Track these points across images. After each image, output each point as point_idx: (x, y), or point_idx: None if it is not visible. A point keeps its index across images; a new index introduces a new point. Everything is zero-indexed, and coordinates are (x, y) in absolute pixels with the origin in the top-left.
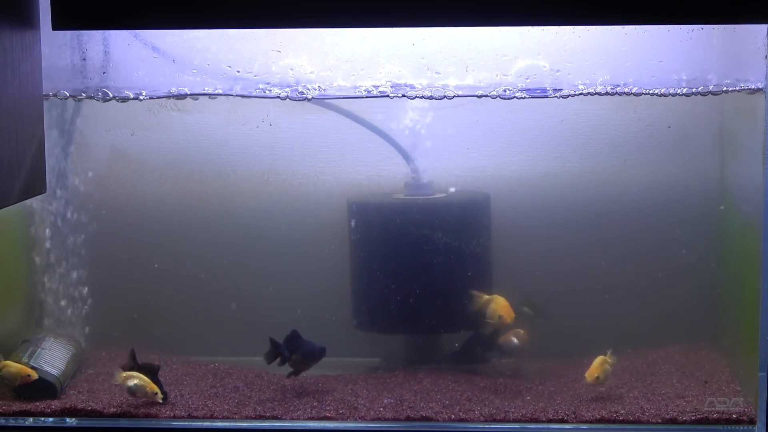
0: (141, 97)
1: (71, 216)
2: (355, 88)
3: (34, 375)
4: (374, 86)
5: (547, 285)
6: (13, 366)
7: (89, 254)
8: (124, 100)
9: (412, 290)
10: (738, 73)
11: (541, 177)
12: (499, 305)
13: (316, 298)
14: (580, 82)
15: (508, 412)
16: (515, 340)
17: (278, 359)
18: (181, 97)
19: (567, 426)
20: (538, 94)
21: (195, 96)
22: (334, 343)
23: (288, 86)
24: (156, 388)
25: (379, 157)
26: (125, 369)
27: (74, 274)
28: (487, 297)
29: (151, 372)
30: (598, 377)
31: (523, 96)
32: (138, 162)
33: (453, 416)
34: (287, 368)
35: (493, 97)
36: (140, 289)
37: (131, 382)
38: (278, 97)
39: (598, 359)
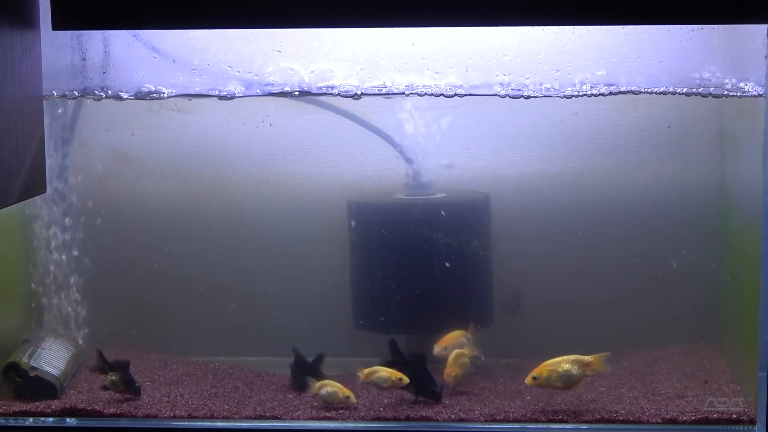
0: (137, 97)
1: (71, 216)
2: (356, 87)
3: (405, 379)
4: (375, 86)
5: (547, 284)
6: (384, 371)
7: (89, 254)
8: (120, 99)
9: (412, 290)
10: (738, 73)
11: (541, 177)
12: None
13: (316, 298)
14: (580, 81)
15: (508, 412)
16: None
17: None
18: (182, 96)
19: (567, 426)
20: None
21: (193, 97)
22: (334, 343)
23: (288, 86)
24: (348, 392)
25: (379, 157)
26: (95, 371)
27: (74, 274)
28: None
29: (124, 369)
30: (455, 376)
31: (531, 95)
32: (138, 162)
33: (453, 416)
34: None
35: (503, 97)
36: (140, 289)
37: (324, 391)
38: (278, 94)
39: (453, 354)
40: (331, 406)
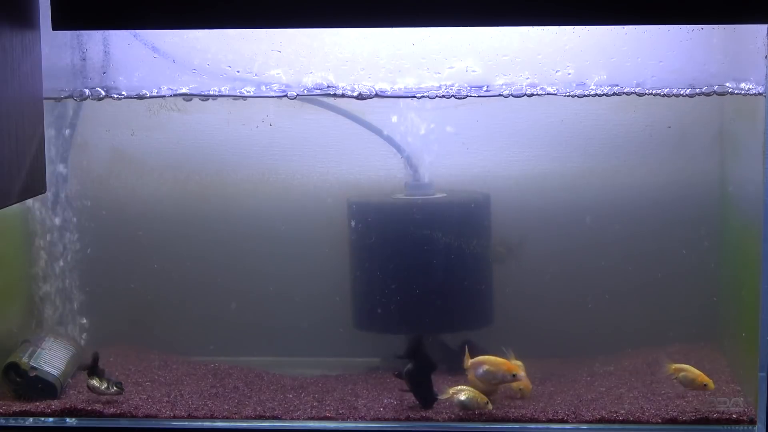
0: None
1: (71, 216)
2: (356, 87)
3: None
4: (375, 86)
5: (547, 284)
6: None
7: (89, 254)
8: (121, 98)
9: (412, 290)
10: (738, 73)
11: (541, 177)
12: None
13: (316, 298)
14: (580, 81)
15: (508, 412)
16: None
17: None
18: (182, 96)
19: (567, 426)
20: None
21: (190, 97)
22: (334, 343)
23: (288, 86)
24: (486, 398)
25: (379, 157)
26: (83, 369)
27: (74, 274)
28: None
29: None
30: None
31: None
32: (138, 162)
33: (453, 416)
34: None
35: (506, 96)
36: (140, 289)
37: (462, 396)
38: (278, 96)
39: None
40: (468, 412)
